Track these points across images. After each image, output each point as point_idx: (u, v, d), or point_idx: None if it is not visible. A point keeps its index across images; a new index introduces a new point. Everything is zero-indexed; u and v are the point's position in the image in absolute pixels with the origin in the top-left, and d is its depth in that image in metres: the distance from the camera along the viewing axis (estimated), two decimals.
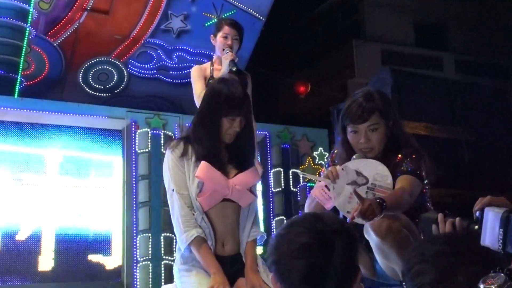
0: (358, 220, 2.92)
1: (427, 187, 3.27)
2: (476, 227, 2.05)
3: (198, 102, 4.45)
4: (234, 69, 4.34)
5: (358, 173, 3.12)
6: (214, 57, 4.74)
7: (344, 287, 1.64)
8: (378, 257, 3.14)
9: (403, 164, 3.12)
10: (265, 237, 3.31)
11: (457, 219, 2.13)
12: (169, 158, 3.19)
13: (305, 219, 1.76)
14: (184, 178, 3.14)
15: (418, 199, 3.16)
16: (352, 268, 1.67)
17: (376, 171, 3.11)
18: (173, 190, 3.14)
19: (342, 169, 3.15)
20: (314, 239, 1.65)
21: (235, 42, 4.56)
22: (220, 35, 4.56)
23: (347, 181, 3.12)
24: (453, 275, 1.31)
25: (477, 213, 2.06)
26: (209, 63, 4.73)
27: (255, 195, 3.27)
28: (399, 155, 3.17)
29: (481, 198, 2.07)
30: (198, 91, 4.50)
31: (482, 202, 2.05)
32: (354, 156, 3.20)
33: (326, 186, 3.20)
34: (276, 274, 1.69)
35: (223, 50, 4.50)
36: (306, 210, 3.41)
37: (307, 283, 1.62)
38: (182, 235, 3.07)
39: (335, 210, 3.19)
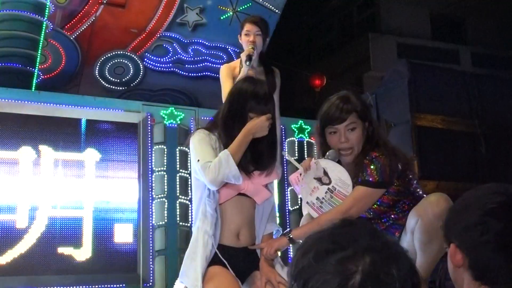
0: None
1: (411, 177, 3.27)
2: None
3: None
4: (247, 63, 4.45)
5: (325, 173, 3.25)
6: (242, 55, 4.78)
7: None
8: None
9: (365, 171, 3.15)
10: (281, 231, 3.32)
11: None
12: (197, 135, 3.17)
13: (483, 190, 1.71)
14: (212, 150, 3.11)
15: (402, 190, 3.21)
16: None
17: (340, 177, 3.22)
18: (198, 161, 3.07)
19: (315, 163, 3.29)
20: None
21: (258, 38, 4.61)
22: (243, 33, 4.64)
23: (314, 175, 3.28)
24: (353, 272, 1.14)
25: None
26: (237, 60, 4.79)
27: (271, 192, 3.29)
28: (366, 159, 3.18)
29: None
30: (227, 90, 4.53)
31: None
32: (328, 153, 3.28)
33: (300, 173, 3.37)
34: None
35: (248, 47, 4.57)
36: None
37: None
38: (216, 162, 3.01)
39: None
